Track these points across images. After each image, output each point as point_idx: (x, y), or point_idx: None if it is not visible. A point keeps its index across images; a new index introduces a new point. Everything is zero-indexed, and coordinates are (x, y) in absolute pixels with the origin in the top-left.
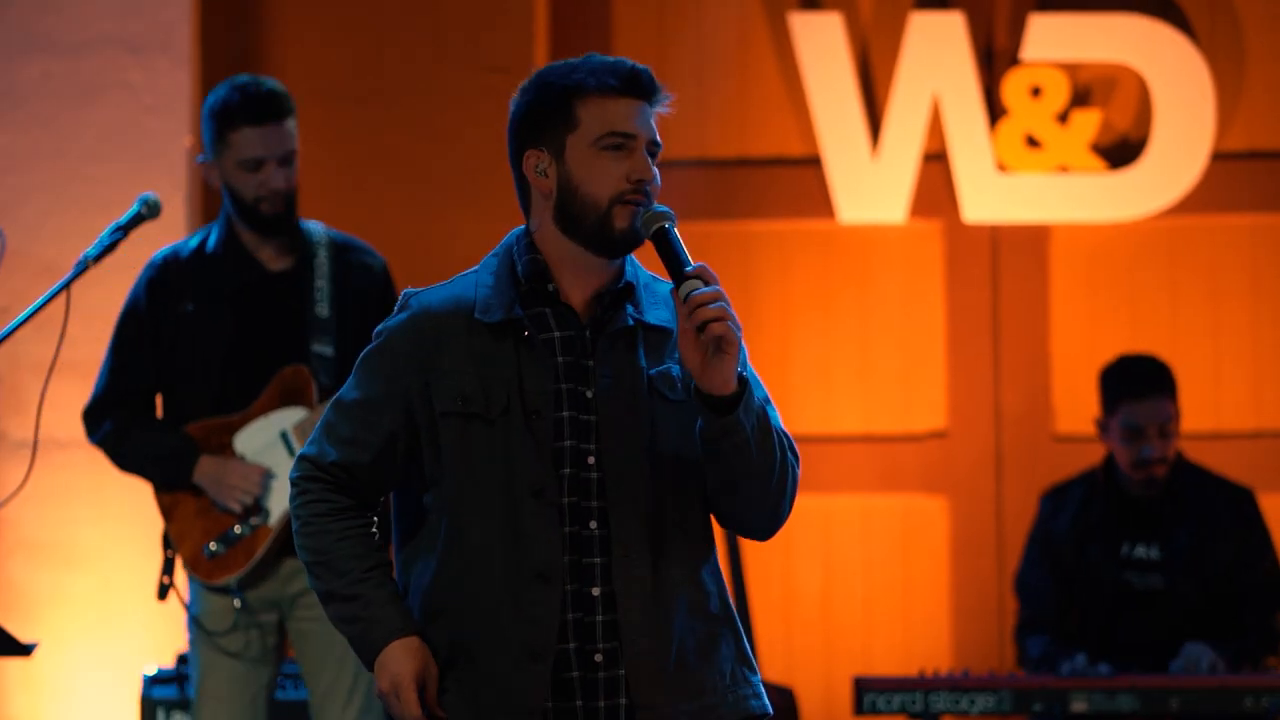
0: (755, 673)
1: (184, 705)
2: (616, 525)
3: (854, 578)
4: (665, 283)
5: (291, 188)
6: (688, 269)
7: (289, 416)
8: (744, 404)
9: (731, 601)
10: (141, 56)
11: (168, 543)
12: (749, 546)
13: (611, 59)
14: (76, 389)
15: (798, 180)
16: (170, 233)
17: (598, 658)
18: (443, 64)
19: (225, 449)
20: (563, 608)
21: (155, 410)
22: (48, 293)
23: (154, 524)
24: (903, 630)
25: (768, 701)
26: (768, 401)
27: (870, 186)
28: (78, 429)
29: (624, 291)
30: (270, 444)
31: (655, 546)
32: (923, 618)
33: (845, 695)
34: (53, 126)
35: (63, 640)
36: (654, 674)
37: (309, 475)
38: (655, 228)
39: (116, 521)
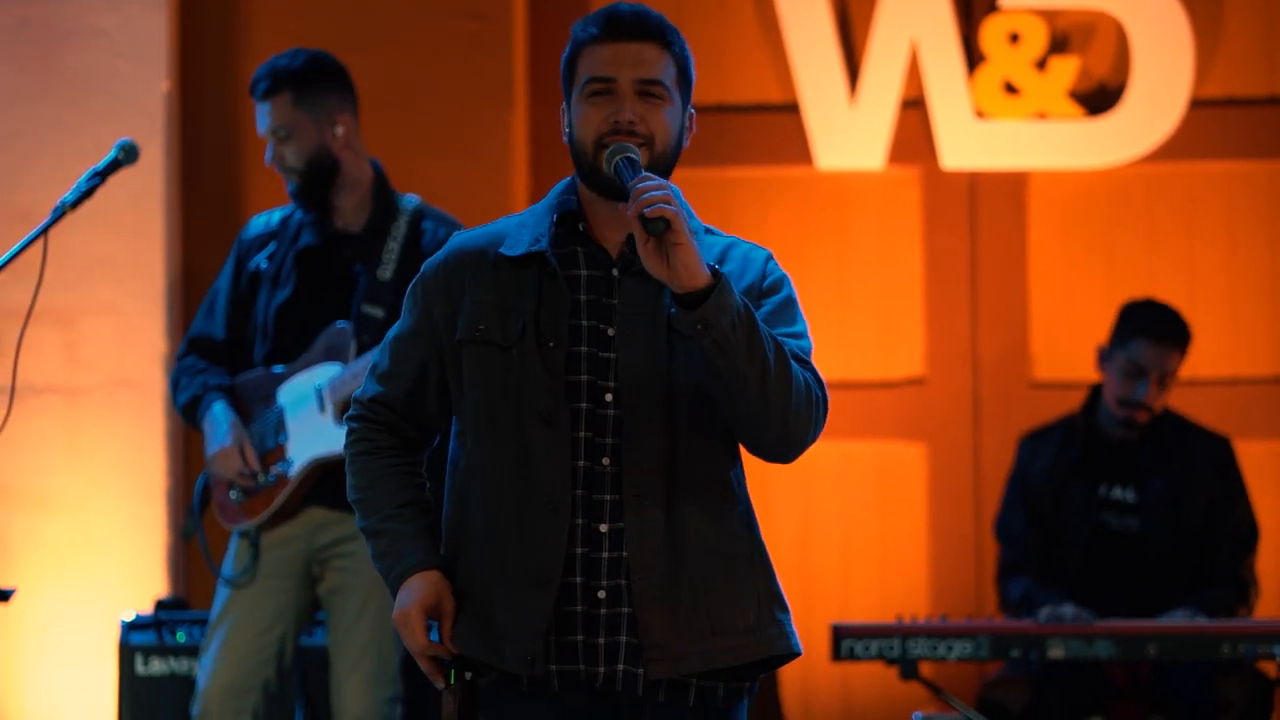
0: (786, 612)
1: (162, 651)
2: (628, 463)
3: (831, 525)
4: (718, 235)
5: (294, 163)
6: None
7: (326, 372)
8: (715, 298)
9: (762, 543)
10: (117, 2)
11: (204, 484)
12: None
13: (608, 7)
14: (54, 335)
15: (776, 127)
16: (148, 179)
17: (601, 594)
18: (422, 12)
19: (270, 399)
20: (571, 541)
21: (226, 358)
22: (25, 239)
23: (131, 470)
24: (880, 577)
25: (797, 641)
26: (800, 336)
27: (848, 133)
28: (55, 375)
29: None
30: (305, 397)
31: (669, 486)
32: (900, 565)
33: (823, 642)
34: (28, 72)
35: (39, 587)
36: (663, 613)
37: (356, 415)
38: (614, 162)
39: (93, 467)
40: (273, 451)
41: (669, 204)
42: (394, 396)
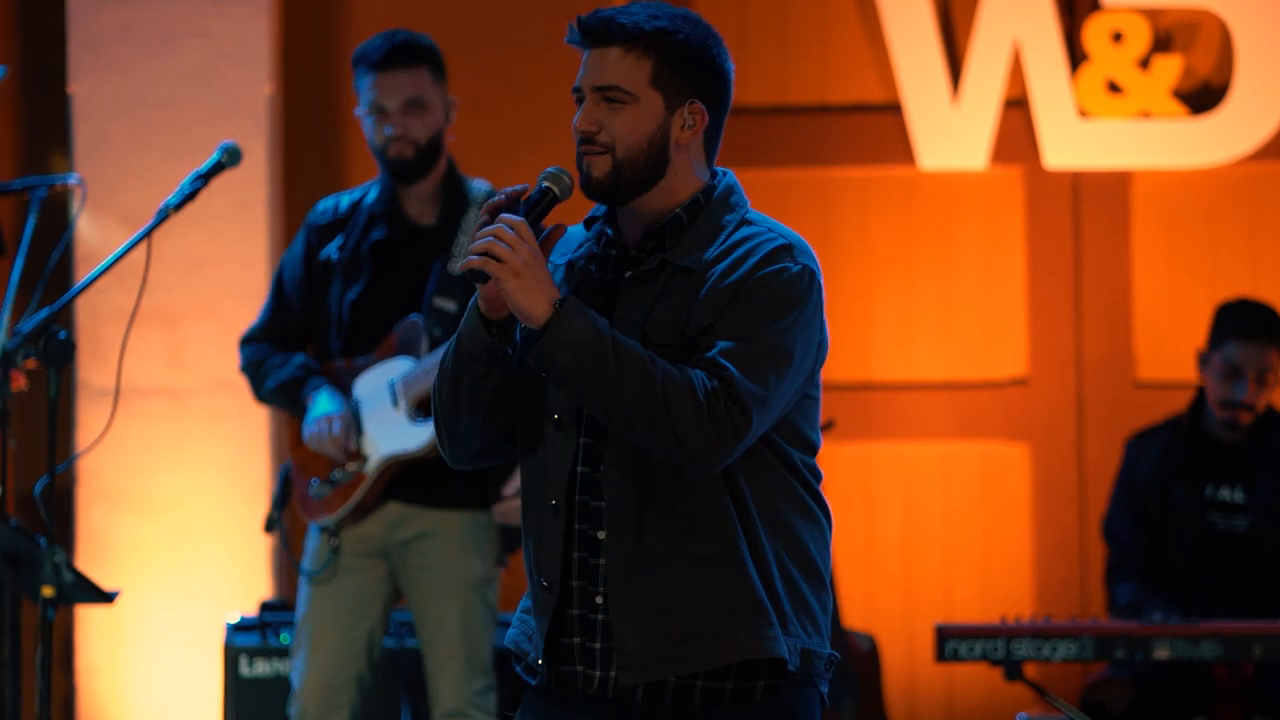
0: (763, 615)
1: (267, 653)
2: (608, 468)
3: (935, 525)
4: (755, 226)
5: (419, 137)
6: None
7: (399, 367)
8: (550, 335)
9: (752, 546)
10: (220, 5)
11: (286, 475)
12: (829, 495)
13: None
14: (157, 337)
15: (878, 127)
16: (250, 181)
17: (598, 599)
18: (520, 11)
19: (346, 392)
20: (570, 546)
21: (297, 346)
22: (128, 241)
23: (234, 472)
24: (983, 577)
25: (779, 646)
26: (755, 338)
27: (951, 133)
28: (158, 377)
29: (661, 233)
30: (379, 392)
31: (642, 490)
32: (1004, 565)
33: (927, 643)
34: (132, 75)
35: (144, 588)
36: (634, 619)
37: None
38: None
39: (197, 469)
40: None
41: (485, 252)
42: None
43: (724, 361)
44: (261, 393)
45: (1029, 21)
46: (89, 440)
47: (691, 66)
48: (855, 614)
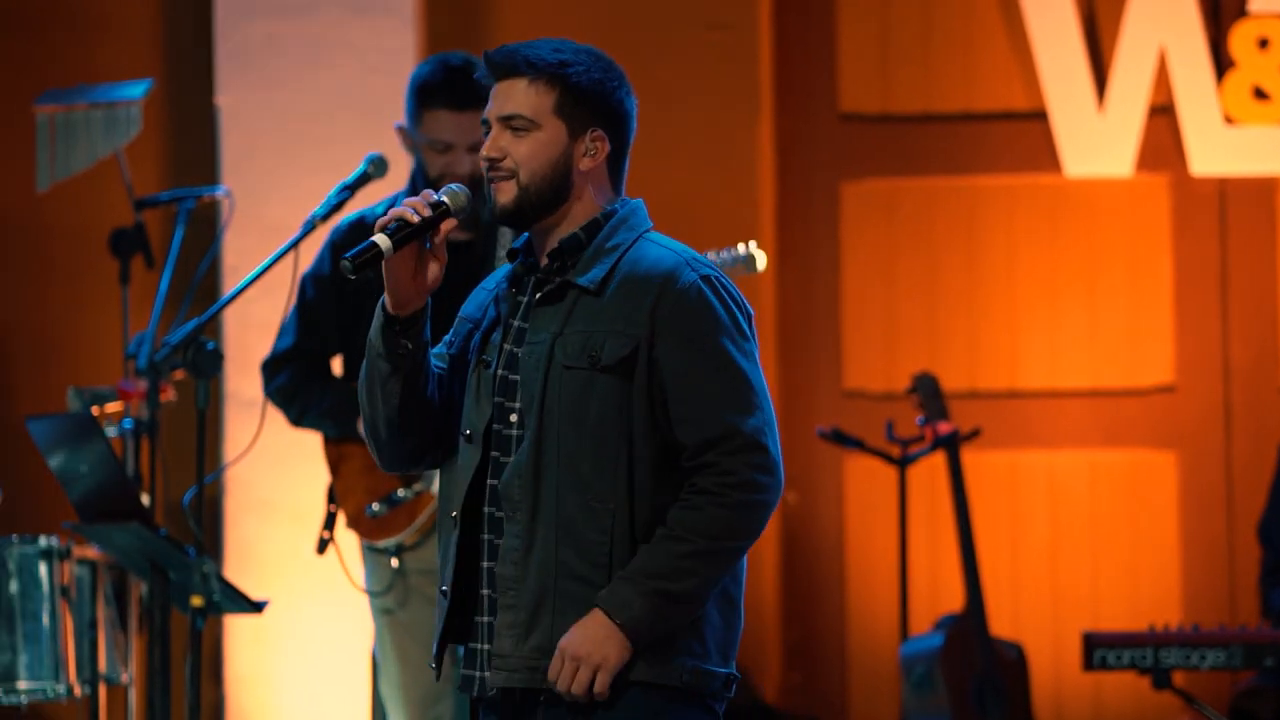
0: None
1: None
2: (508, 479)
3: (1082, 533)
4: (655, 247)
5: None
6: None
7: None
8: (634, 635)
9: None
10: (366, 17)
11: (331, 497)
12: (976, 503)
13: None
14: None
15: (1024, 134)
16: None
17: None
18: (667, 22)
19: None
20: (480, 555)
21: (331, 369)
22: (275, 253)
23: None
24: (1131, 585)
25: (640, 673)
26: (736, 394)
27: (1097, 140)
28: None
29: (561, 252)
30: None
31: (538, 504)
32: (1151, 573)
33: (1074, 651)
34: (279, 87)
35: (292, 598)
36: (512, 625)
37: None
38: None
39: None
40: None
41: (580, 686)
42: None
43: (719, 416)
44: (304, 419)
45: (1174, 28)
46: (237, 450)
47: (592, 98)
48: (1002, 622)
